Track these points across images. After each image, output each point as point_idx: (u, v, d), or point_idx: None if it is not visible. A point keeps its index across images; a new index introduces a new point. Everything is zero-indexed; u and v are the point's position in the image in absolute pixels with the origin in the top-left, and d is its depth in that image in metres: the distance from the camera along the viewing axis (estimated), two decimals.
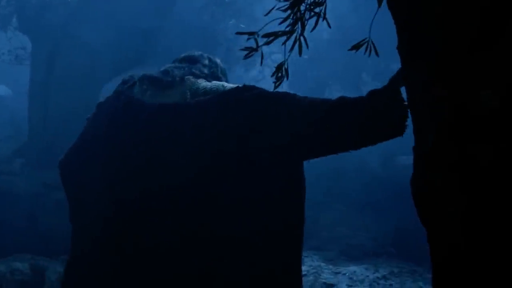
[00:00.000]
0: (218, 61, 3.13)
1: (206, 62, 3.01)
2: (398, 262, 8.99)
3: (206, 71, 2.94)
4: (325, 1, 2.01)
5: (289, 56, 2.07)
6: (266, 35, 2.04)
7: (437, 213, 1.71)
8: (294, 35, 1.99)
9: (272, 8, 2.03)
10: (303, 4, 1.98)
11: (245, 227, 2.50)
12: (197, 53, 3.09)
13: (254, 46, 2.09)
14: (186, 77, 2.85)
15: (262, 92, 2.58)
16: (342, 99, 2.49)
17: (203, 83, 2.84)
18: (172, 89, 2.78)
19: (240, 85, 2.67)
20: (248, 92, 2.59)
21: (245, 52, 2.01)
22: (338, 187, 11.75)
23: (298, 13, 1.98)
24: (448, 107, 1.55)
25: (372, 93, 2.44)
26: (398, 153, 11.31)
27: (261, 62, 2.10)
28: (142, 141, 2.67)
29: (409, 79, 1.74)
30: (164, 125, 2.63)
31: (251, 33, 2.02)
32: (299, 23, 1.99)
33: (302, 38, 2.00)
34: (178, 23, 10.70)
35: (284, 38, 2.08)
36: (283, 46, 2.01)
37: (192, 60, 2.97)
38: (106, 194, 2.67)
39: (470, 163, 1.50)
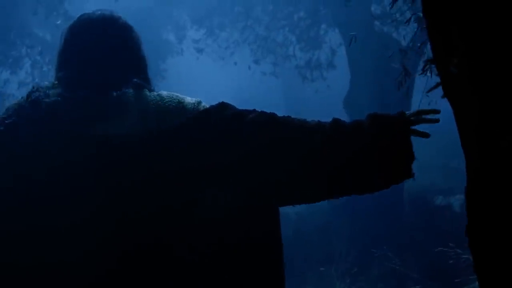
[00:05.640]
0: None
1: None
2: None
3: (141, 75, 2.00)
4: None
5: None
6: None
7: None
8: None
9: None
10: None
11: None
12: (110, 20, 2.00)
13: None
14: (132, 92, 1.89)
15: (252, 117, 1.82)
16: (338, 126, 1.81)
17: (152, 95, 1.91)
18: (125, 115, 1.83)
19: (209, 106, 1.85)
20: (227, 114, 1.81)
21: None
22: None
23: None
24: None
25: (375, 118, 1.81)
26: None
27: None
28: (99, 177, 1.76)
29: None
30: (136, 162, 1.73)
31: None
32: None
33: None
34: None
35: None
36: None
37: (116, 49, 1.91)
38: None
39: None
